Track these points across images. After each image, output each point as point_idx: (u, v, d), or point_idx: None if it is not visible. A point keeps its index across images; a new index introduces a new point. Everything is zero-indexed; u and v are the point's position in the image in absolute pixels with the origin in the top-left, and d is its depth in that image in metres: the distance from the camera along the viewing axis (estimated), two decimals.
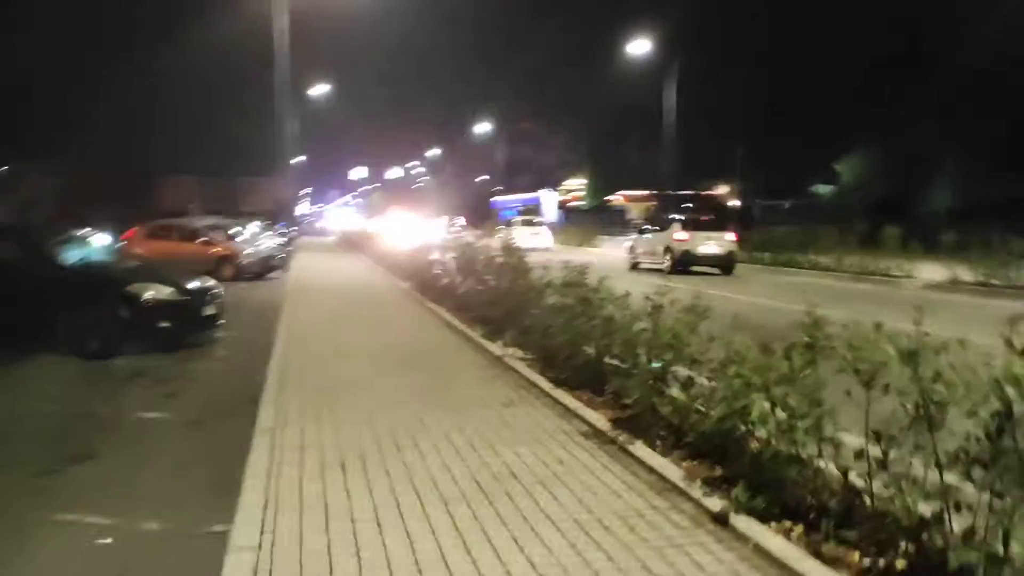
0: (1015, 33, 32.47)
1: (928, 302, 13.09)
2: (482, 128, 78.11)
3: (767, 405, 4.22)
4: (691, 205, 36.60)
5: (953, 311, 14.57)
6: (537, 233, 37.08)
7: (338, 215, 78.46)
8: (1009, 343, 3.02)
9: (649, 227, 26.81)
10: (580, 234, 44.75)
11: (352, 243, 39.33)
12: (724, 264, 23.54)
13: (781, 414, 4.29)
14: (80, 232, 12.18)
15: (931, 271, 18.73)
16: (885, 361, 3.54)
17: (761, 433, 4.40)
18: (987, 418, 3.02)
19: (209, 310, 11.14)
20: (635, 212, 62.47)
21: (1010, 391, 2.91)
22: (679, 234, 23.69)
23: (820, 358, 4.27)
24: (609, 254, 32.40)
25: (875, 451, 3.66)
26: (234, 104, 51.43)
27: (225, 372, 9.29)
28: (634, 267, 25.83)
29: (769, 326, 10.26)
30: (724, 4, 47.04)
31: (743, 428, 4.52)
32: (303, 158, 78.75)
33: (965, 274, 17.65)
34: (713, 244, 23.47)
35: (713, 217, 26.11)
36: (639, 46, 43.51)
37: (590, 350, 7.22)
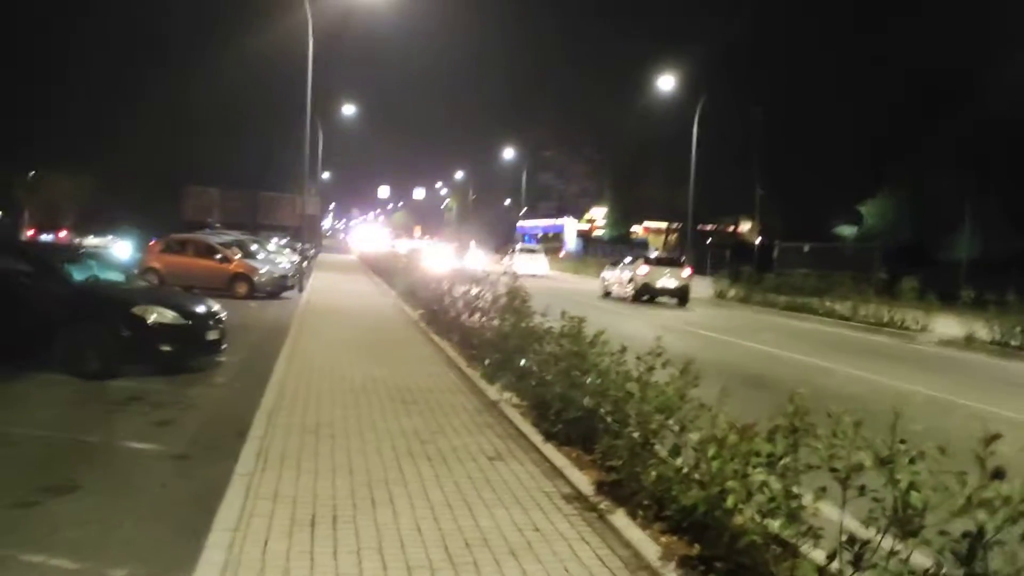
0: None
1: (940, 360, 12.91)
2: (507, 153, 78.45)
3: (744, 492, 4.08)
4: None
5: (964, 372, 14.33)
6: (534, 260, 40.67)
7: (362, 233, 78.83)
8: (981, 463, 2.88)
9: (619, 261, 30.69)
10: (598, 265, 44.57)
11: (370, 263, 39.42)
12: (679, 295, 26.92)
13: (762, 497, 4.16)
14: (99, 240, 12.30)
15: (947, 326, 18.44)
16: (860, 464, 3.40)
17: (738, 518, 4.27)
18: (958, 539, 2.88)
19: (212, 335, 11.12)
20: (654, 244, 62.40)
21: (981, 515, 2.78)
22: (641, 268, 27.40)
23: (802, 442, 4.13)
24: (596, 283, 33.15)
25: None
26: (262, 120, 52.07)
27: (221, 401, 9.24)
28: (606, 295, 29.15)
29: (770, 378, 10.08)
30: (749, 43, 47.07)
31: (720, 510, 4.38)
32: (326, 175, 79.33)
33: (982, 331, 17.37)
34: (670, 278, 27.03)
35: (671, 255, 31.68)
36: (665, 82, 43.54)
37: (584, 404, 7.10)
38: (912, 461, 3.23)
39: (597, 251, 61.24)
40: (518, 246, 43.75)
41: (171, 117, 47.32)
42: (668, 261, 29.15)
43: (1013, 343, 16.47)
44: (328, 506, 5.21)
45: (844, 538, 3.47)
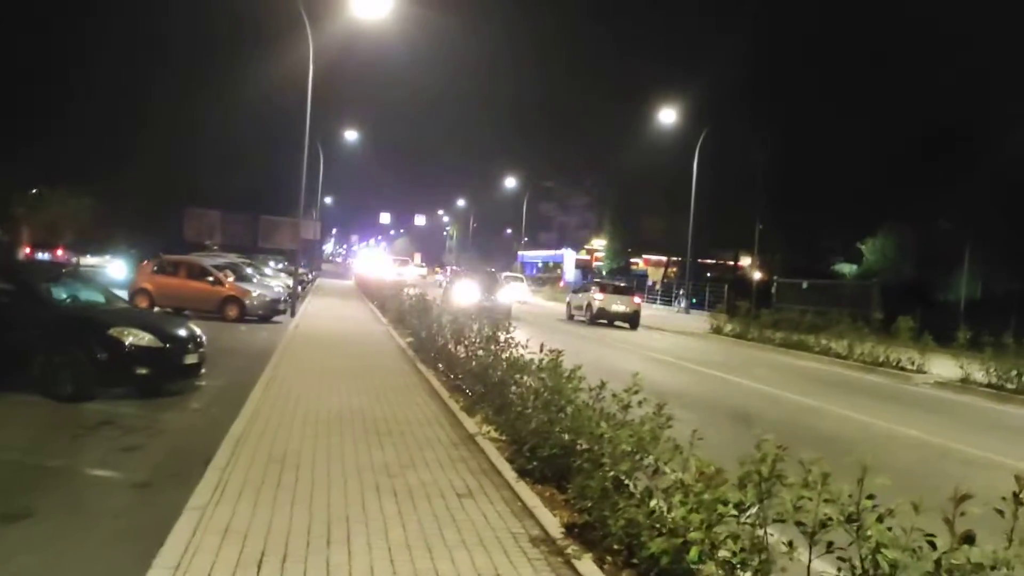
0: None
1: (934, 402, 12.65)
2: (508, 183, 78.68)
3: (709, 543, 3.86)
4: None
5: (958, 415, 14.08)
6: (517, 287, 43.31)
7: (362, 259, 79.05)
8: (949, 524, 2.67)
9: (580, 289, 35.30)
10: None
11: (366, 289, 39.25)
12: (629, 319, 30.47)
13: (727, 550, 3.94)
14: (96, 260, 12.09)
15: (944, 367, 18.21)
16: (827, 519, 3.19)
17: (704, 571, 4.04)
18: None
19: (190, 359, 10.92)
20: (653, 276, 62.29)
21: None
22: (597, 295, 31.00)
23: (775, 491, 3.90)
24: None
25: None
26: (265, 143, 52.21)
27: (192, 427, 9.02)
28: (570, 318, 32.73)
29: (759, 416, 9.81)
30: (752, 79, 47.31)
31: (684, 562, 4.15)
32: (328, 200, 79.55)
33: (978, 373, 17.13)
34: (621, 304, 30.70)
35: (623, 284, 35.32)
36: (666, 115, 43.73)
37: (558, 441, 6.88)
38: (880, 519, 3.01)
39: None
40: (503, 275, 44.77)
41: (173, 138, 47.39)
42: (620, 289, 32.58)
43: (1009, 386, 16.22)
44: (280, 544, 4.97)
45: None
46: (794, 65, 46.32)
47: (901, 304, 28.68)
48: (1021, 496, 2.55)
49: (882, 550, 2.88)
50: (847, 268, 51.23)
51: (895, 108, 41.60)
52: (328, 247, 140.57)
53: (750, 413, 12.48)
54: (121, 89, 46.35)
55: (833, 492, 3.20)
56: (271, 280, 28.99)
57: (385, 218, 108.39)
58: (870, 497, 3.09)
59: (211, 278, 22.20)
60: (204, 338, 11.47)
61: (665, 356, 20.44)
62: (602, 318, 30.41)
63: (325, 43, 28.88)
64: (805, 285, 37.51)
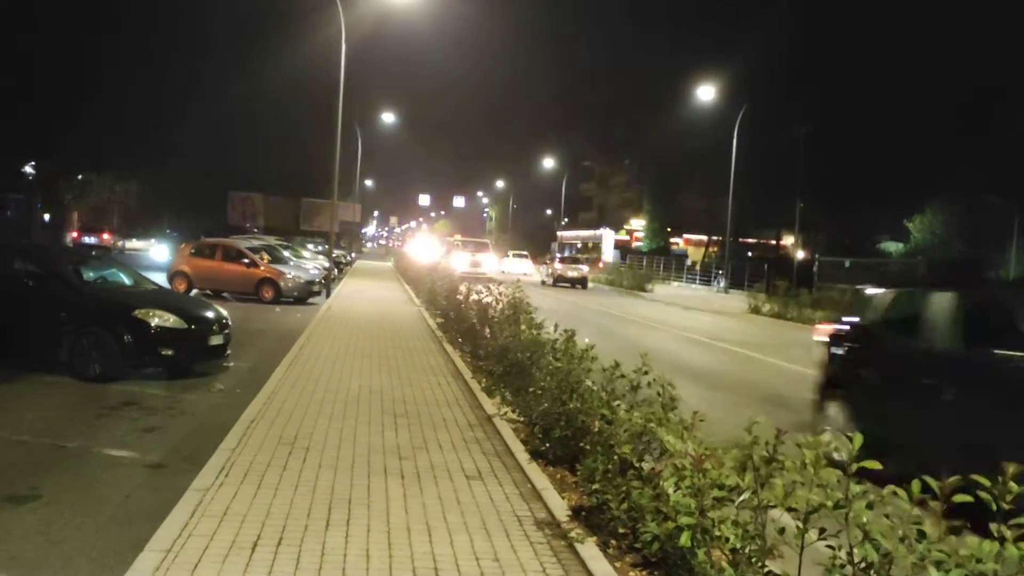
0: None
1: None
2: (546, 163, 78.23)
3: (700, 529, 3.71)
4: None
5: None
6: (521, 263, 49.90)
7: (406, 240, 79.33)
8: (936, 516, 2.48)
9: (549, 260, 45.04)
10: (633, 276, 44.07)
11: (403, 271, 39.43)
12: (580, 282, 40.50)
13: (720, 535, 3.78)
14: (140, 243, 12.24)
15: None
16: (819, 505, 3.01)
17: (701, 557, 3.88)
18: None
19: (216, 340, 10.99)
20: (694, 257, 61.56)
21: (934, 574, 2.38)
22: (557, 264, 42.32)
23: (776, 474, 3.72)
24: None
25: None
26: (307, 126, 52.58)
27: (214, 407, 9.06)
28: (542, 283, 40.75)
29: (790, 397, 9.57)
30: (795, 54, 46.18)
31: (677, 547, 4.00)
32: (369, 183, 79.94)
33: None
34: (573, 271, 41.14)
35: (579, 256, 50.52)
36: (705, 92, 42.93)
37: (573, 421, 6.75)
38: (870, 506, 2.83)
39: (636, 263, 60.56)
40: (510, 252, 53.95)
41: (217, 122, 47.94)
42: (573, 260, 44.64)
43: None
44: (277, 527, 4.93)
45: None
46: (835, 38, 45.11)
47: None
48: (1010, 485, 2.35)
49: (870, 538, 2.70)
50: (894, 247, 50.00)
51: (941, 79, 40.27)
52: (370, 229, 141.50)
53: (781, 394, 12.21)
54: (164, 76, 46.97)
55: (823, 477, 3.02)
56: (308, 262, 29.18)
57: (424, 200, 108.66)
58: (860, 483, 2.91)
59: (247, 260, 22.40)
60: (230, 319, 11.55)
61: (699, 336, 20.14)
62: (561, 281, 40.31)
63: (358, 22, 28.87)
64: (848, 264, 36.65)
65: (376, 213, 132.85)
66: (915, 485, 2.66)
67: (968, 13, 39.46)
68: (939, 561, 2.40)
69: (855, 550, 2.80)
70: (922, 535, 2.56)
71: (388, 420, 8.10)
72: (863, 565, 2.81)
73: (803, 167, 42.63)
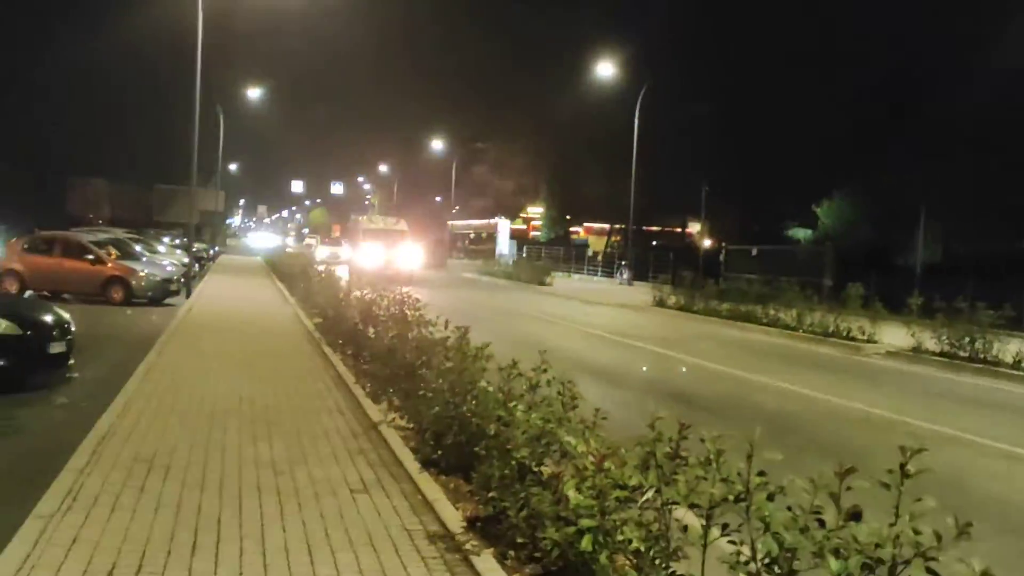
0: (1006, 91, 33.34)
1: (884, 373, 13.01)
2: (436, 145, 78.05)
3: (602, 532, 3.86)
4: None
5: (908, 386, 14.53)
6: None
7: (270, 232, 77.89)
8: (835, 501, 2.69)
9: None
10: (531, 269, 44.50)
11: (274, 265, 38.62)
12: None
13: (622, 537, 3.94)
14: None
15: (896, 336, 18.73)
16: (724, 497, 3.19)
17: (604, 561, 4.04)
18: None
19: (56, 347, 10.56)
20: (595, 246, 62.69)
21: (833, 563, 2.58)
22: (321, 248, 48.27)
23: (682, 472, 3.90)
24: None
25: None
26: (154, 106, 50.71)
27: (57, 425, 8.69)
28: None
29: (699, 395, 9.97)
30: (698, 34, 47.66)
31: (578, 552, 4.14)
32: (232, 167, 77.80)
33: (930, 341, 17.67)
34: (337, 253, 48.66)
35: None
36: (605, 69, 43.72)
37: (466, 426, 6.83)
38: (771, 497, 3.03)
39: (535, 253, 61.20)
40: (318, 237, 58.33)
41: (49, 95, 45.60)
42: (334, 242, 54.89)
43: (962, 354, 16.78)
44: (135, 554, 4.81)
45: None
46: (740, 18, 46.86)
47: (857, 270, 29.38)
48: (907, 468, 2.58)
49: (771, 529, 2.89)
50: (802, 233, 52.35)
51: (848, 60, 42.42)
52: (236, 219, 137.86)
53: (690, 392, 12.67)
54: None
55: (725, 471, 3.20)
56: (163, 258, 28.30)
57: (297, 186, 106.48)
58: (761, 474, 3.10)
59: (91, 256, 21.50)
60: (72, 324, 11.10)
61: (602, 332, 20.60)
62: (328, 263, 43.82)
63: None
64: (755, 252, 38.12)
65: (242, 202, 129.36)
66: (816, 474, 2.86)
67: None
68: (838, 549, 2.59)
69: (758, 544, 2.99)
70: (822, 524, 2.76)
71: (261, 431, 7.99)
72: (767, 560, 3.00)
73: (709, 150, 44.08)
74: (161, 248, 33.44)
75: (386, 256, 37.16)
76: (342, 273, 19.53)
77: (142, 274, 21.88)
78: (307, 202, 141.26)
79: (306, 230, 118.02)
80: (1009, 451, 9.54)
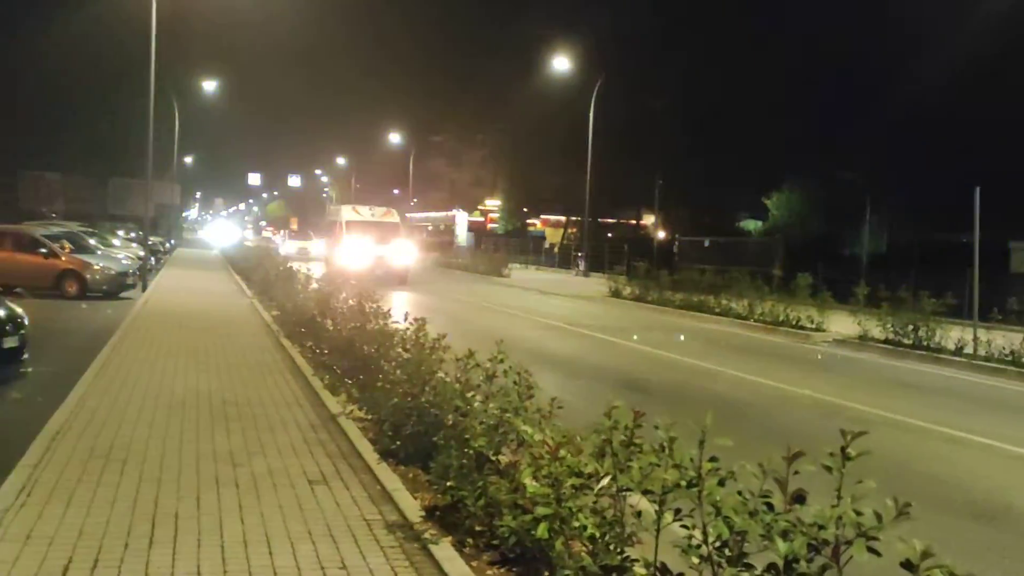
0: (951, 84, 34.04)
1: (832, 361, 13.25)
2: (393, 138, 77.55)
3: (556, 523, 3.89)
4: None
5: (854, 373, 14.81)
6: (312, 244, 53.77)
7: (227, 225, 76.96)
8: (782, 487, 2.75)
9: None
10: (489, 261, 44.47)
11: (231, 258, 38.16)
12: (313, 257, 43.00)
13: (578, 524, 3.98)
14: None
15: (843, 324, 19.06)
16: (677, 482, 3.24)
17: (559, 548, 4.07)
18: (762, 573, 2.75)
19: (9, 342, 10.35)
20: (552, 238, 62.88)
21: (780, 545, 2.63)
22: (289, 242, 50.94)
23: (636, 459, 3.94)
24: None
25: None
26: (109, 98, 49.70)
27: (9, 421, 8.54)
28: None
29: (653, 382, 10.09)
30: (652, 29, 47.93)
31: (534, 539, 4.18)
32: (188, 160, 76.65)
33: (876, 329, 18.01)
34: (306, 248, 52.14)
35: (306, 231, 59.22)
36: (561, 63, 43.80)
37: (425, 416, 6.83)
38: (722, 482, 3.08)
39: (493, 245, 61.18)
40: (285, 231, 57.42)
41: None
42: (302, 235, 56.35)
43: (906, 341, 17.14)
44: (92, 548, 4.75)
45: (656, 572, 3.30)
46: (694, 9, 47.22)
47: (806, 260, 29.82)
48: (848, 452, 2.64)
49: (721, 513, 2.94)
50: (753, 224, 53.05)
51: (799, 54, 42.99)
52: (193, 212, 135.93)
53: (645, 379, 12.78)
54: None
55: (677, 457, 3.25)
56: (119, 251, 27.82)
57: (255, 179, 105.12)
58: (713, 460, 3.16)
59: (44, 250, 21.08)
60: (26, 318, 10.88)
61: (559, 322, 20.67)
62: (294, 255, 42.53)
63: None
64: (707, 243, 38.57)
65: (198, 194, 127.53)
66: (765, 459, 2.92)
67: None
68: (785, 531, 2.65)
69: (709, 528, 3.04)
70: (770, 507, 2.82)
71: (219, 424, 7.91)
72: (717, 544, 3.06)
73: (662, 143, 44.39)
74: (116, 242, 32.87)
75: (375, 253, 31.39)
76: (320, 274, 17.84)
77: (97, 268, 21.52)
78: (264, 195, 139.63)
79: (263, 223, 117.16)
80: (950, 434, 9.77)
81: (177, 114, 50.54)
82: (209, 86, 55.06)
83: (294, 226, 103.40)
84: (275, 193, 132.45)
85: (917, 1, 38.58)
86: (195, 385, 9.77)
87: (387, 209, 35.86)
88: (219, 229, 63.84)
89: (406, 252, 32.94)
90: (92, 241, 26.00)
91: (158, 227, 50.90)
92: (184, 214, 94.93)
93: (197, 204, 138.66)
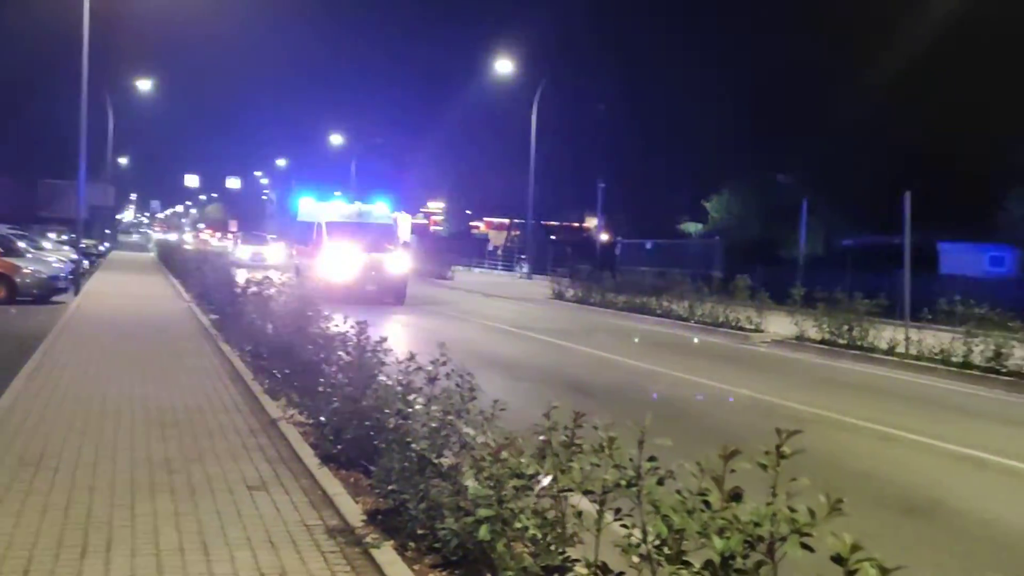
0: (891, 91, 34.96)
1: (769, 360, 13.47)
2: (335, 140, 76.91)
3: (498, 524, 3.90)
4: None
5: (791, 372, 15.11)
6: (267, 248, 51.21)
7: (164, 227, 75.40)
8: (718, 484, 2.79)
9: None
10: (432, 263, 44.35)
11: (169, 261, 37.42)
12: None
13: (519, 526, 3.99)
14: None
15: (781, 325, 19.43)
16: (616, 482, 3.27)
17: (500, 550, 4.07)
18: (699, 570, 2.78)
19: None
20: (495, 241, 63.01)
21: (717, 542, 2.67)
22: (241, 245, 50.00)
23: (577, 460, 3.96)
24: None
25: None
26: (40, 99, 48.43)
27: None
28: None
29: (595, 384, 10.16)
30: (593, 34, 48.37)
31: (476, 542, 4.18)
32: (123, 161, 75.00)
33: (812, 330, 18.39)
34: (258, 250, 47.92)
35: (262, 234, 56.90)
36: (504, 66, 43.91)
37: (367, 420, 6.78)
38: (661, 482, 3.12)
39: (436, 248, 61.01)
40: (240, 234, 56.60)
41: None
42: (257, 239, 52.53)
43: (841, 341, 17.54)
44: (21, 559, 4.61)
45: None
46: (637, 17, 47.79)
47: (745, 262, 30.42)
48: (782, 450, 2.69)
49: (660, 512, 2.98)
50: (693, 227, 53.81)
51: (740, 56, 43.77)
52: (128, 214, 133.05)
53: (587, 381, 12.87)
54: None
55: (617, 457, 3.28)
56: (50, 254, 27.08)
57: (192, 181, 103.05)
58: (652, 459, 3.19)
59: None
60: None
61: (503, 324, 20.71)
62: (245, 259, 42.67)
63: None
64: (649, 245, 39.05)
65: (134, 196, 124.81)
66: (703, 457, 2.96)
67: None
68: (722, 529, 2.69)
69: (648, 527, 3.08)
70: (708, 506, 2.86)
71: (155, 431, 7.74)
72: (657, 543, 3.09)
73: (604, 146, 44.79)
74: (47, 245, 31.98)
75: (365, 264, 24.79)
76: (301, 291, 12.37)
77: (27, 271, 20.92)
78: (203, 196, 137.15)
79: (201, 224, 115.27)
80: (882, 431, 10.02)
81: (111, 114, 49.43)
82: (145, 86, 53.97)
83: (233, 228, 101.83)
84: (214, 195, 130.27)
85: (852, 4, 39.55)
86: (130, 391, 9.56)
87: (379, 202, 29.20)
88: (156, 231, 62.53)
89: (401, 261, 26.30)
90: (21, 244, 25.27)
91: (92, 229, 49.71)
92: (119, 216, 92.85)
93: (133, 206, 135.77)
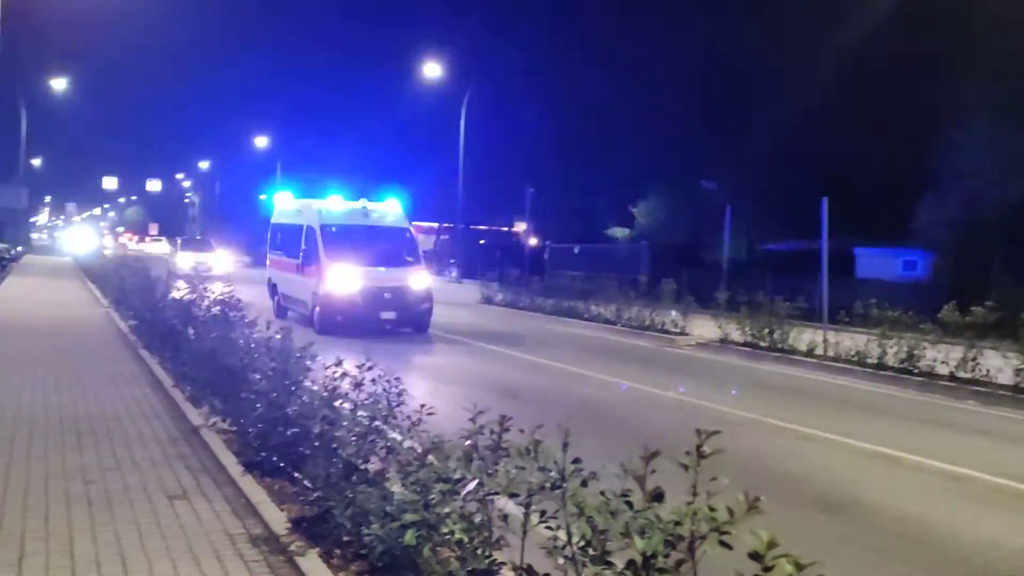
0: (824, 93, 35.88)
1: (694, 363, 13.71)
2: (260, 142, 75.67)
3: (424, 530, 3.89)
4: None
5: (715, 375, 15.40)
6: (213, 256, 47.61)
7: (82, 231, 73.06)
8: (640, 483, 2.84)
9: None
10: None
11: (86, 266, 36.29)
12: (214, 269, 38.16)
13: (446, 530, 3.99)
14: None
15: (705, 328, 19.80)
16: (541, 485, 3.30)
17: (426, 555, 4.07)
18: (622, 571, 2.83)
19: None
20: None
21: (638, 542, 2.72)
22: (180, 253, 42.48)
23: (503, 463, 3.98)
24: None
25: None
26: None
27: None
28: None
29: (525, 387, 10.22)
30: (520, 38, 48.65)
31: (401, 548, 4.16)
32: (36, 162, 72.56)
33: (735, 332, 18.79)
34: (203, 259, 40.77)
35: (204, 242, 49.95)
36: (432, 70, 43.83)
37: (291, 426, 6.69)
38: (585, 483, 3.16)
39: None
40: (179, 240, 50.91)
41: None
42: (201, 244, 47.20)
43: (762, 344, 17.97)
44: None
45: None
46: (565, 21, 48.21)
47: (670, 266, 30.86)
48: (703, 450, 2.75)
49: (584, 513, 3.01)
50: (620, 232, 54.42)
51: (665, 64, 44.40)
52: (41, 217, 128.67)
53: (517, 385, 12.91)
54: None
55: (543, 460, 3.31)
56: None
57: (111, 183, 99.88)
58: (576, 461, 3.23)
59: None
60: None
61: (432, 329, 20.63)
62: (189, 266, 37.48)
63: None
64: (577, 250, 39.38)
65: (48, 199, 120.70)
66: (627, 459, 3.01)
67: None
68: (643, 528, 2.74)
69: (573, 528, 3.11)
70: (630, 506, 2.90)
71: (70, 440, 7.51)
72: (581, 544, 3.13)
73: (533, 152, 45.06)
74: None
75: (377, 282, 19.06)
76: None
77: None
78: (122, 199, 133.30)
79: (120, 228, 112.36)
80: (801, 431, 10.30)
81: (24, 115, 47.78)
82: (60, 86, 52.31)
83: (154, 231, 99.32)
84: (133, 198, 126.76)
85: (772, 9, 40.47)
86: (44, 399, 9.25)
87: (390, 200, 21.81)
88: (73, 235, 60.41)
89: (424, 279, 20.59)
90: None
91: (2, 233, 47.95)
92: (32, 219, 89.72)
93: (47, 209, 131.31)
